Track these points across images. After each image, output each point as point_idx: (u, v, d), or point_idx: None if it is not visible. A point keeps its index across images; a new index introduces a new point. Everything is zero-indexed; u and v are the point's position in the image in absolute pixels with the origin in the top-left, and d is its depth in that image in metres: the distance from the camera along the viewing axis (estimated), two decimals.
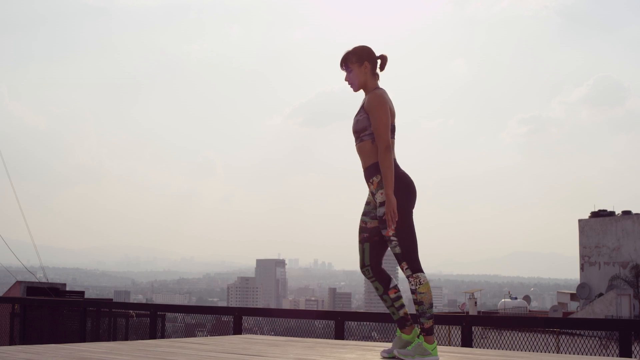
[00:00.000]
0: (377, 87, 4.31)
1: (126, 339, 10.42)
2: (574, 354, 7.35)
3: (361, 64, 4.31)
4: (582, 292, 32.35)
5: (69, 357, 4.09)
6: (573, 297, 34.50)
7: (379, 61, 4.36)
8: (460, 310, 35.06)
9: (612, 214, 32.89)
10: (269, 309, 11.45)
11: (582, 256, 33.06)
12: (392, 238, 4.08)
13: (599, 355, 7.32)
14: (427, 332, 4.10)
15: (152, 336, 9.53)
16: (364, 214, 4.30)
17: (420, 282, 4.08)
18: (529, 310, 35.42)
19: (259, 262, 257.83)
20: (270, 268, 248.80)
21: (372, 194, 4.19)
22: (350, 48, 4.38)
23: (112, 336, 10.87)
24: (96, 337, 10.56)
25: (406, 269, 4.09)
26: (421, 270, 4.12)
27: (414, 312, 4.23)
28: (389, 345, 4.53)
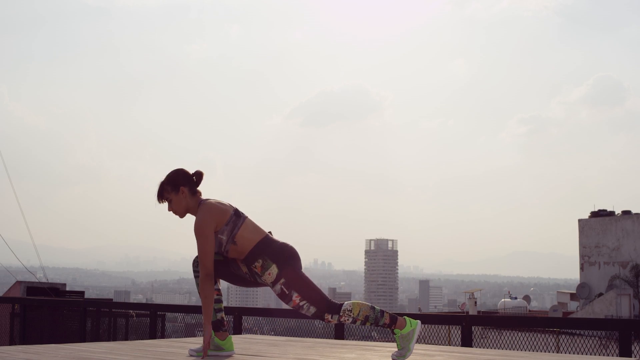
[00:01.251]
0: (200, 203, 4.25)
1: (126, 339, 10.42)
2: (573, 353, 7.35)
3: (177, 192, 4.25)
4: (582, 292, 32.36)
5: (69, 357, 4.09)
6: (573, 297, 34.52)
7: (194, 178, 4.31)
8: (460, 310, 35.08)
9: (612, 213, 32.91)
10: (269, 309, 11.45)
11: (582, 256, 33.07)
12: (301, 304, 4.12)
13: (599, 355, 7.32)
14: (394, 323, 4.11)
15: (152, 336, 9.54)
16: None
17: (349, 311, 4.11)
18: (529, 310, 35.44)
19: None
20: None
21: (259, 275, 4.16)
22: (163, 178, 4.29)
23: (112, 336, 10.88)
24: (96, 337, 10.56)
25: (332, 316, 4.13)
26: (339, 307, 4.13)
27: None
28: (389, 345, 4.53)
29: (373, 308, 4.12)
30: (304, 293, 4.12)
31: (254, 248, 4.15)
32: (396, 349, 4.16)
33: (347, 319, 4.11)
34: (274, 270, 4.12)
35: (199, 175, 4.33)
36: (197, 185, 4.31)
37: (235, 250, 4.18)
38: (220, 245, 4.17)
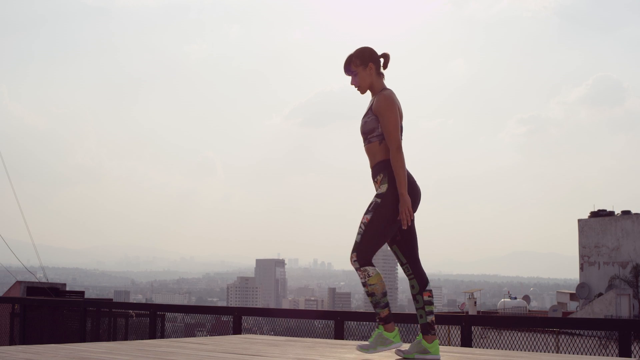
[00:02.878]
0: (385, 88, 4.30)
1: (126, 339, 10.42)
2: (573, 353, 7.35)
3: (365, 66, 4.29)
4: (582, 292, 32.35)
5: (69, 357, 4.10)
6: (572, 297, 34.51)
7: (382, 60, 4.34)
8: (459, 310, 35.07)
9: (611, 213, 32.89)
10: (269, 309, 11.45)
11: (581, 256, 33.06)
12: (362, 225, 4.11)
13: (599, 355, 7.32)
14: (385, 321, 4.13)
15: (152, 336, 9.54)
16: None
17: (369, 275, 4.09)
18: (529, 310, 35.42)
19: (258, 262, 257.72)
20: (270, 268, 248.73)
21: (376, 190, 4.20)
22: (352, 51, 4.34)
23: (112, 336, 10.87)
24: (96, 337, 10.56)
25: (354, 260, 4.10)
26: (370, 264, 4.11)
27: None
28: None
29: (385, 294, 4.12)
30: (375, 224, 4.08)
31: (387, 160, 4.16)
32: (366, 343, 4.21)
33: (363, 278, 4.09)
34: (384, 187, 4.12)
35: (386, 57, 4.36)
36: (384, 67, 4.35)
37: (376, 147, 4.18)
38: (377, 129, 4.18)
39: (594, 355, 7.04)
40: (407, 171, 4.18)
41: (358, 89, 4.33)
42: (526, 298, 38.02)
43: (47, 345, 5.07)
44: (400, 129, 4.21)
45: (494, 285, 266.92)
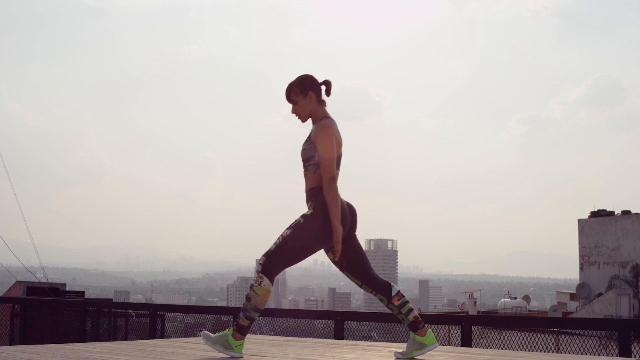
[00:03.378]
0: (325, 117, 4.25)
1: (126, 339, 10.42)
2: (573, 353, 7.35)
3: (305, 95, 4.26)
4: (582, 291, 32.36)
5: (69, 357, 4.10)
6: (572, 296, 34.52)
7: (323, 87, 4.30)
8: (459, 310, 35.07)
9: (611, 213, 32.90)
10: (269, 309, 11.41)
11: (581, 256, 33.06)
12: (281, 237, 4.10)
13: (599, 355, 7.32)
14: (239, 329, 4.14)
15: (152, 336, 9.53)
16: (325, 250, 4.29)
17: (260, 284, 4.10)
18: (529, 310, 35.44)
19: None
20: None
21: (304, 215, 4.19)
22: (293, 79, 4.32)
23: (111, 336, 10.87)
24: (96, 337, 10.56)
25: (260, 263, 4.12)
26: (270, 276, 4.10)
27: (241, 308, 4.25)
28: (388, 344, 4.53)
29: (257, 310, 4.15)
30: (295, 239, 4.08)
31: (317, 188, 4.15)
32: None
33: (255, 281, 4.11)
34: (309, 212, 4.13)
35: (327, 84, 4.34)
36: (327, 94, 4.33)
37: (311, 175, 4.18)
38: (314, 158, 4.16)
39: (594, 355, 7.04)
40: (342, 200, 4.19)
41: (298, 118, 4.30)
42: (526, 298, 38.03)
43: (47, 345, 5.07)
44: (337, 159, 4.17)
45: (494, 285, 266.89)
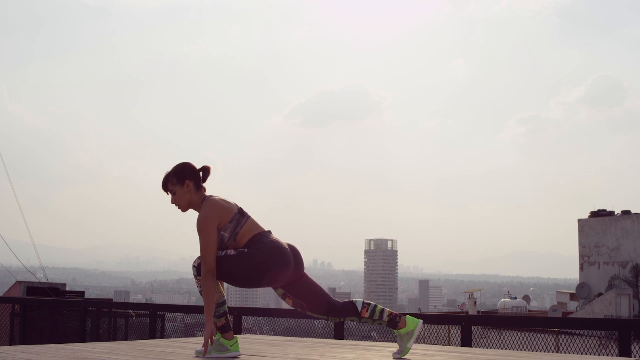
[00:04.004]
0: (204, 199, 4.22)
1: (126, 339, 10.42)
2: (573, 353, 7.35)
3: (182, 184, 4.23)
4: (582, 291, 32.37)
5: (69, 357, 4.10)
6: (572, 296, 34.53)
7: (201, 174, 4.30)
8: (459, 310, 35.08)
9: (611, 213, 32.91)
10: (269, 309, 11.44)
11: (581, 256, 33.07)
12: (225, 252, 4.12)
13: (599, 354, 7.32)
14: (222, 330, 4.15)
15: (152, 336, 9.54)
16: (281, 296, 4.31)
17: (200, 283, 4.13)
18: (529, 310, 35.45)
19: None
20: None
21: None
22: (169, 169, 4.28)
23: (111, 336, 10.88)
24: (96, 337, 10.56)
25: (194, 267, 4.19)
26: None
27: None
28: (388, 344, 4.54)
29: (223, 303, 4.18)
30: (242, 261, 4.08)
31: (250, 239, 4.14)
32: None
33: (198, 286, 4.15)
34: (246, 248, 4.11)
35: (205, 171, 4.31)
36: (204, 181, 4.29)
37: (235, 247, 4.16)
38: (222, 242, 4.14)
39: (594, 355, 7.04)
40: (276, 240, 4.14)
41: (178, 208, 4.28)
42: (526, 298, 38.07)
43: (47, 345, 5.07)
44: (235, 216, 4.15)
45: (494, 285, 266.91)
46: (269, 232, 4.23)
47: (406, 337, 4.17)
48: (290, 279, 4.16)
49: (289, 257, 4.13)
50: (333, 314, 4.23)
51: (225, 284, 4.32)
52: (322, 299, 4.24)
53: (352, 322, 8.10)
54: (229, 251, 4.11)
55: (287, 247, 4.17)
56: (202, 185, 4.28)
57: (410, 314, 5.33)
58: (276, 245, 4.10)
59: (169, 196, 4.28)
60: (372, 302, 4.24)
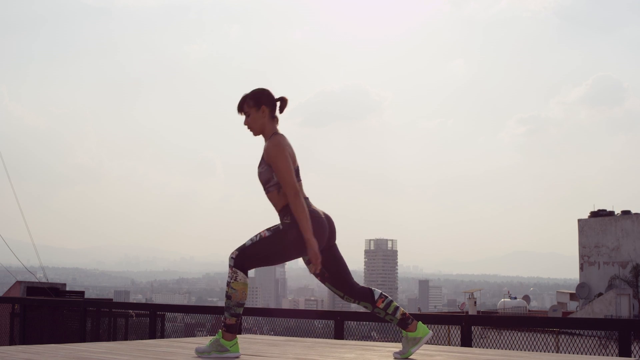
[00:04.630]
0: (275, 133, 4.22)
1: (126, 339, 10.42)
2: (573, 353, 7.35)
3: (258, 109, 4.22)
4: (582, 291, 32.35)
5: (69, 357, 4.10)
6: (572, 296, 34.51)
7: (278, 104, 4.28)
8: (459, 310, 35.07)
9: (611, 213, 32.89)
10: (269, 309, 11.45)
11: (581, 256, 33.06)
12: (258, 235, 4.10)
13: (599, 355, 7.32)
14: (227, 329, 4.12)
15: (152, 336, 9.53)
16: (305, 262, 4.24)
17: (236, 279, 4.08)
18: (529, 310, 35.43)
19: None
20: (270, 268, 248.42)
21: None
22: (248, 91, 4.28)
23: (112, 336, 10.87)
24: (96, 337, 10.56)
25: (232, 258, 4.11)
26: (244, 270, 4.10)
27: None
28: (388, 344, 4.53)
29: (240, 305, 4.10)
30: (267, 243, 4.07)
31: (288, 206, 4.13)
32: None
33: (230, 278, 4.11)
34: (286, 220, 4.10)
35: (283, 101, 4.30)
36: (280, 112, 4.30)
37: (276, 197, 4.15)
38: (273, 179, 4.14)
39: (594, 355, 7.04)
40: (314, 208, 4.15)
41: (250, 130, 4.27)
42: (526, 298, 38.03)
43: (47, 345, 5.07)
44: (294, 172, 4.15)
45: (494, 285, 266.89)
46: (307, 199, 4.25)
47: (412, 341, 4.17)
48: (320, 247, 4.12)
49: (326, 226, 4.16)
50: (350, 293, 4.22)
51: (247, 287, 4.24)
52: (345, 274, 4.24)
53: (352, 322, 8.11)
54: (262, 233, 4.12)
55: (323, 215, 4.20)
56: (276, 116, 4.29)
57: (411, 314, 5.32)
58: (316, 215, 4.14)
59: (242, 117, 4.28)
60: (389, 297, 4.25)
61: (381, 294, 4.20)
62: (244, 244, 4.11)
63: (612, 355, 6.42)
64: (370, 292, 4.21)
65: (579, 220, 33.47)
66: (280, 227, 4.12)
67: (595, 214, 33.23)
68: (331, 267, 4.21)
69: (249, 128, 4.26)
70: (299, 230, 4.04)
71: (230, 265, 4.11)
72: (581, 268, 33.03)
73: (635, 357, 6.55)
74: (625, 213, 32.29)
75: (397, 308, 4.20)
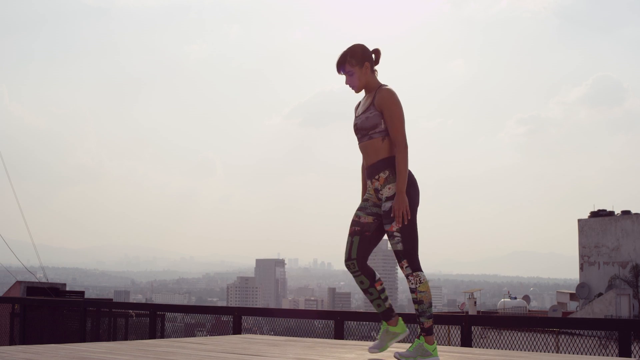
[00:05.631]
0: (384, 85, 4.23)
1: (126, 339, 10.42)
2: (573, 353, 7.35)
3: (362, 66, 4.22)
4: (582, 292, 32.35)
5: (69, 357, 4.10)
6: (572, 296, 34.52)
7: (374, 56, 4.30)
8: (459, 310, 35.07)
9: (611, 213, 32.89)
10: (269, 309, 11.45)
11: (581, 256, 33.06)
12: (396, 234, 4.02)
13: (599, 355, 7.32)
14: (427, 332, 4.06)
15: (152, 336, 9.54)
16: (360, 209, 4.24)
17: (420, 281, 4.04)
18: (529, 310, 35.43)
19: (258, 261, 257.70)
20: (270, 268, 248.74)
21: (376, 190, 4.14)
22: (345, 50, 4.27)
23: (112, 336, 10.87)
24: (96, 337, 10.56)
25: (406, 267, 4.03)
26: (421, 269, 4.08)
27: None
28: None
29: (431, 305, 4.08)
30: (407, 228, 4.04)
31: (392, 158, 4.11)
32: (401, 350, 4.20)
33: (414, 283, 4.04)
34: (394, 187, 4.07)
35: (377, 53, 4.32)
36: (376, 63, 4.30)
37: (379, 144, 4.12)
38: (380, 125, 4.12)
39: (594, 355, 7.04)
40: (410, 171, 4.15)
41: (353, 89, 4.26)
42: (526, 298, 38.04)
43: (47, 345, 5.07)
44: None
45: (494, 285, 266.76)
46: None
47: (391, 335, 4.23)
48: (415, 208, 4.13)
49: (419, 191, 4.22)
50: (361, 262, 4.20)
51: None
52: (371, 248, 4.24)
53: (352, 322, 8.11)
54: (392, 229, 4.08)
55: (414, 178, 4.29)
56: (375, 69, 4.29)
57: (410, 314, 5.33)
58: (414, 179, 4.19)
59: (343, 77, 4.25)
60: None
61: (380, 278, 4.24)
62: (403, 249, 4.04)
63: (612, 356, 6.42)
64: (374, 273, 4.25)
65: (579, 221, 33.47)
66: (389, 205, 4.05)
67: (595, 214, 33.23)
68: (373, 233, 4.21)
69: (351, 86, 4.25)
70: (408, 194, 4.04)
71: (408, 274, 4.05)
72: (581, 268, 33.02)
73: (635, 357, 6.55)
74: (625, 213, 32.29)
75: (388, 297, 4.25)
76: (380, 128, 4.11)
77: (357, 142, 4.26)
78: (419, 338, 4.09)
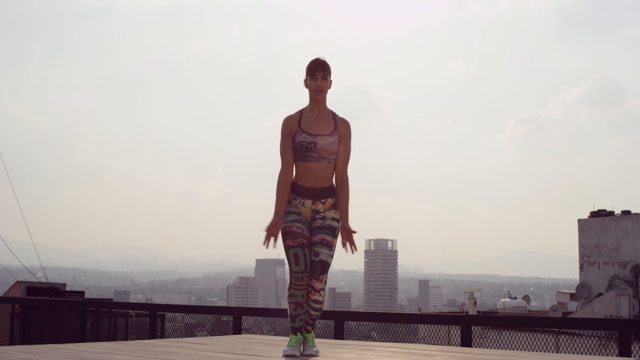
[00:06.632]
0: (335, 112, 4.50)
1: (126, 339, 10.42)
2: (573, 353, 7.35)
3: (329, 79, 4.45)
4: (582, 292, 32.35)
5: (69, 357, 4.10)
6: (572, 296, 34.52)
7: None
8: (459, 310, 35.08)
9: (611, 213, 32.89)
10: (269, 309, 11.45)
11: (581, 256, 33.06)
12: (333, 248, 4.32)
13: (599, 355, 7.32)
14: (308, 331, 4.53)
15: (152, 336, 9.54)
16: (298, 221, 4.34)
17: (324, 297, 4.41)
18: (529, 310, 35.44)
19: (258, 262, 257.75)
20: (270, 268, 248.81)
21: (316, 211, 4.35)
22: (322, 58, 4.43)
23: (112, 336, 10.87)
24: (96, 337, 10.56)
25: (324, 282, 4.31)
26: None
27: (313, 318, 4.54)
28: (388, 344, 4.53)
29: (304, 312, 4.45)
30: (333, 249, 4.33)
31: (333, 186, 4.43)
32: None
33: (322, 297, 4.40)
34: (337, 214, 4.38)
35: None
36: None
37: (331, 170, 4.36)
38: (336, 152, 4.35)
39: (594, 355, 7.04)
40: None
41: (319, 93, 4.38)
42: (526, 298, 38.04)
43: (47, 345, 5.07)
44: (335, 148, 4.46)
45: (494, 285, 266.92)
46: None
47: (309, 342, 4.49)
48: None
49: None
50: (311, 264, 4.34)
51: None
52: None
53: (352, 322, 8.11)
54: (332, 242, 4.51)
55: None
56: None
57: (410, 314, 5.33)
58: None
59: (319, 81, 4.38)
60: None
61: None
62: (327, 262, 4.30)
63: (612, 355, 6.42)
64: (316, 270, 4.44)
65: (579, 221, 33.47)
66: (338, 225, 4.36)
67: (595, 214, 33.23)
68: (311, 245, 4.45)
69: (320, 90, 4.38)
70: (348, 219, 4.34)
71: (320, 289, 4.34)
72: (581, 268, 33.02)
73: (635, 357, 6.55)
74: (625, 213, 32.29)
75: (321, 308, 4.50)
76: (335, 155, 4.35)
77: (307, 157, 4.32)
78: (310, 333, 4.44)
